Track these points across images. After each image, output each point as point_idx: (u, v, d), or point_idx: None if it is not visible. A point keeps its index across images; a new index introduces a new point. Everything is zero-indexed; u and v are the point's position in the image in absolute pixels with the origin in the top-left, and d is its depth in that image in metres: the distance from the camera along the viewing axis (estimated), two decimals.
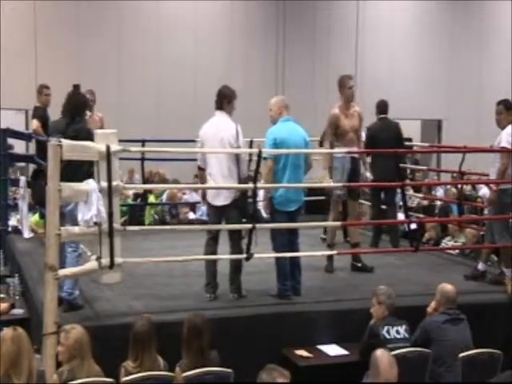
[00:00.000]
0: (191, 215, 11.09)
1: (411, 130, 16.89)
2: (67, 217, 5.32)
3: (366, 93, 16.26)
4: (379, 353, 4.17)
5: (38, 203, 6.52)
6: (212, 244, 6.02)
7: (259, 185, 5.86)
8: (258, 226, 5.71)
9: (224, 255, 6.01)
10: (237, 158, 5.88)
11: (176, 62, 14.72)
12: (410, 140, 14.86)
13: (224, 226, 6.05)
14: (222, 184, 5.86)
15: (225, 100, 5.95)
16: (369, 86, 16.14)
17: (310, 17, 16.01)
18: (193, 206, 11.28)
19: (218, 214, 5.99)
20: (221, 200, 5.89)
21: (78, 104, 5.72)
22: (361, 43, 16.43)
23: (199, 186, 6.51)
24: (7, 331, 3.97)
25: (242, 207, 5.96)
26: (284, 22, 15.91)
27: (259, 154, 5.69)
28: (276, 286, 6.03)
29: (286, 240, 6.04)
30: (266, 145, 6.00)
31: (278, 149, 5.92)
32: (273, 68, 15.90)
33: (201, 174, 6.11)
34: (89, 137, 5.34)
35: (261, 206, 6.69)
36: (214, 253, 6.02)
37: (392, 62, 16.57)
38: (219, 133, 5.86)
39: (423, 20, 17.09)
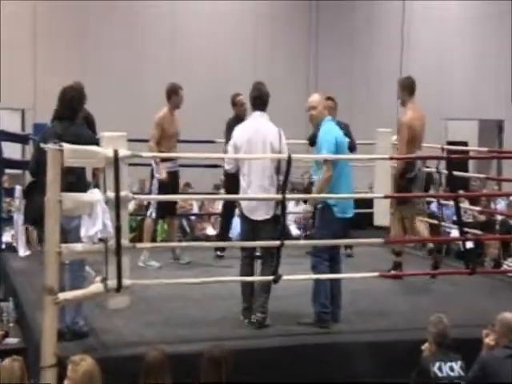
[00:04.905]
0: (210, 231, 11.15)
1: (467, 132, 16.78)
2: (73, 233, 5.31)
3: None
4: None
5: (32, 223, 6.46)
6: (248, 263, 6.10)
7: (288, 196, 5.91)
8: (287, 243, 5.76)
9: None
10: (279, 165, 5.94)
11: (192, 61, 14.86)
12: (465, 144, 14.77)
13: (245, 243, 6.12)
14: (260, 195, 5.93)
15: (268, 100, 6.11)
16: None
17: (347, 6, 16.06)
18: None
19: (255, 229, 6.04)
20: (260, 214, 5.95)
21: (73, 103, 5.66)
22: (406, 36, 16.46)
23: (233, 196, 6.54)
24: (3, 363, 4.03)
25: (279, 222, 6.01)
26: (317, 12, 15.98)
27: (289, 160, 5.74)
28: (313, 312, 6.03)
29: (328, 256, 6.09)
30: (322, 147, 6.04)
31: (337, 151, 6.04)
32: (304, 66, 15.99)
33: (228, 182, 6.17)
34: (91, 142, 5.39)
35: (290, 221, 6.75)
36: (252, 273, 6.09)
37: (442, 58, 16.53)
38: (262, 137, 5.97)
39: (477, 8, 17.02)
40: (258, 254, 6.32)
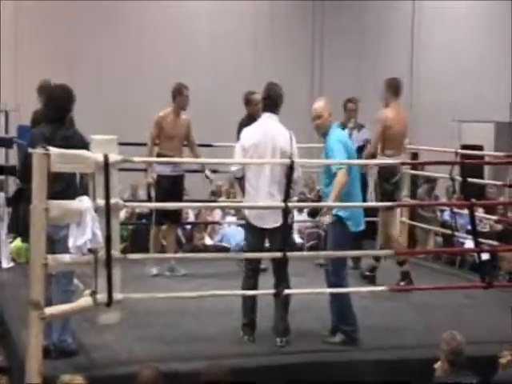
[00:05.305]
0: (208, 241, 11.15)
1: (482, 135, 16.72)
2: (61, 243, 5.30)
3: (423, 94, 16.33)
4: None
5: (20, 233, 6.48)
6: (252, 275, 6.06)
7: (291, 204, 5.90)
8: (289, 254, 5.76)
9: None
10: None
11: (190, 58, 14.90)
12: (480, 148, 14.73)
13: (250, 255, 6.10)
14: (268, 202, 5.91)
15: (281, 102, 6.14)
16: (426, 86, 16.18)
17: (354, 6, 16.08)
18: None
19: (262, 238, 6.04)
20: (268, 222, 5.92)
21: (60, 103, 5.64)
22: (417, 37, 16.50)
23: (233, 204, 6.57)
24: None
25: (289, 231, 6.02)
26: (323, 12, 16.01)
27: (291, 165, 5.73)
28: (343, 331, 6.04)
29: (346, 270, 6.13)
30: (335, 153, 6.01)
31: (348, 157, 6.05)
32: (308, 67, 16.01)
33: (241, 185, 6.21)
34: (82, 145, 5.37)
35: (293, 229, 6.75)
36: (255, 287, 6.06)
37: (453, 58, 16.55)
38: (271, 139, 5.97)
39: (486, 8, 17.04)
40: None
